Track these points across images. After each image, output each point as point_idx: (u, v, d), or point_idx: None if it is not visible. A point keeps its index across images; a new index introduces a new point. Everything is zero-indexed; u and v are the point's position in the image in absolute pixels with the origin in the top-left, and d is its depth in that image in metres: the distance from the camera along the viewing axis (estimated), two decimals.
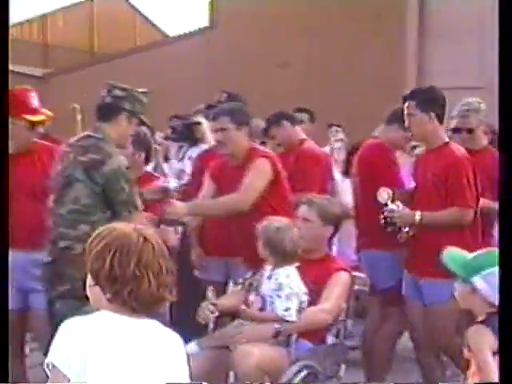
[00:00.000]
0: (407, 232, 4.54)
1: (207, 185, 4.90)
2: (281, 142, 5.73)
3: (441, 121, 4.71)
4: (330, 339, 4.30)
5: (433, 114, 4.59)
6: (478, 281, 2.95)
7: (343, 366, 4.40)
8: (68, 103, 10.32)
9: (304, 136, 5.92)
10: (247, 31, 22.37)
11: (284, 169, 5.47)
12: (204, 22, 23.96)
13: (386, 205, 4.53)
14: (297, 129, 5.83)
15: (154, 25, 33.55)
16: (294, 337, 4.02)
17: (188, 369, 2.40)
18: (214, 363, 4.05)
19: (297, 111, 6.84)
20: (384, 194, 4.58)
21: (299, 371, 3.93)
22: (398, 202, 4.56)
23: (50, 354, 2.24)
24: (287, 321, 4.01)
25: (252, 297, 4.19)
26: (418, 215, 4.46)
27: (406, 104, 4.70)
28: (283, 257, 4.08)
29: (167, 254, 2.34)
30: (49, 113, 4.56)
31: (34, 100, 4.46)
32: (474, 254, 3.08)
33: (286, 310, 4.01)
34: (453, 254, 3.15)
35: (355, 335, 5.38)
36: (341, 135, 7.35)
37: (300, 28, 21.66)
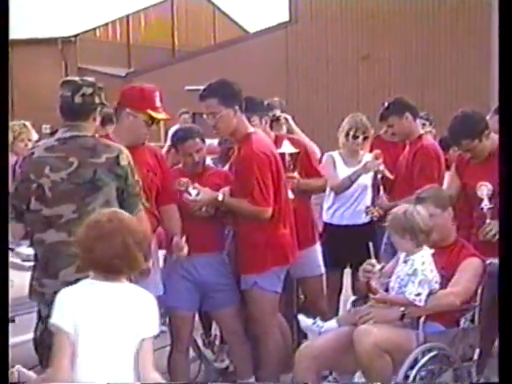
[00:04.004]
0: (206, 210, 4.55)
1: (452, 179, 5.01)
2: (399, 132, 5.62)
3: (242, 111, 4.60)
4: (464, 323, 4.35)
5: (237, 107, 4.52)
6: None
7: (477, 350, 4.43)
8: None
9: (422, 131, 5.79)
10: (327, 25, 22.30)
11: (398, 159, 5.58)
12: (284, 16, 23.98)
13: (189, 193, 4.45)
14: (417, 123, 5.70)
15: (233, 21, 33.78)
16: (422, 319, 4.16)
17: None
18: (344, 339, 4.22)
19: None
20: (184, 183, 4.53)
21: (427, 351, 4.06)
22: (196, 185, 4.49)
23: (52, 317, 2.87)
24: (415, 305, 4.18)
25: (381, 280, 4.36)
26: (219, 198, 4.47)
27: (206, 103, 4.50)
28: (421, 237, 4.22)
29: (139, 236, 2.95)
30: (165, 116, 4.52)
31: (158, 99, 4.47)
32: None
33: (418, 295, 4.18)
34: None
35: None
36: (428, 128, 7.14)
37: (380, 23, 21.48)
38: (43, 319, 3.81)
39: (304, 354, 4.22)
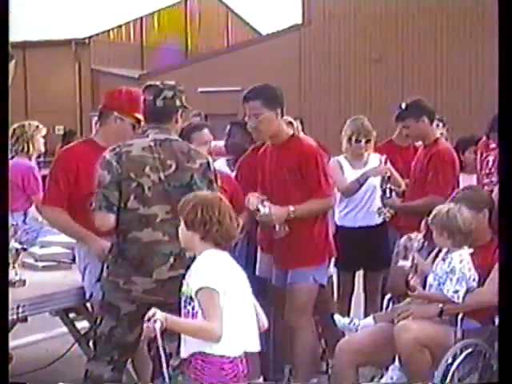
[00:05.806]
0: (283, 228, 4.61)
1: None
2: (415, 135, 5.63)
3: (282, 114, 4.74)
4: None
5: (279, 111, 4.64)
6: None
7: None
8: None
9: (438, 134, 5.78)
10: (340, 28, 22.30)
11: (409, 164, 5.61)
12: (297, 19, 24.00)
13: (258, 210, 4.55)
14: (434, 127, 5.70)
15: (246, 23, 33.83)
16: (460, 316, 4.23)
17: None
18: (381, 335, 4.33)
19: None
20: (253, 200, 4.60)
21: (464, 348, 4.09)
22: (266, 203, 4.57)
23: (202, 282, 3.11)
24: (453, 302, 4.26)
25: (418, 278, 4.43)
26: (291, 210, 4.57)
27: (250, 104, 4.61)
28: (458, 238, 4.29)
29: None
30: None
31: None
32: None
33: (455, 292, 4.26)
34: None
35: None
36: (441, 130, 7.08)
37: (392, 24, 21.46)
38: (119, 315, 3.89)
39: (344, 350, 4.29)
